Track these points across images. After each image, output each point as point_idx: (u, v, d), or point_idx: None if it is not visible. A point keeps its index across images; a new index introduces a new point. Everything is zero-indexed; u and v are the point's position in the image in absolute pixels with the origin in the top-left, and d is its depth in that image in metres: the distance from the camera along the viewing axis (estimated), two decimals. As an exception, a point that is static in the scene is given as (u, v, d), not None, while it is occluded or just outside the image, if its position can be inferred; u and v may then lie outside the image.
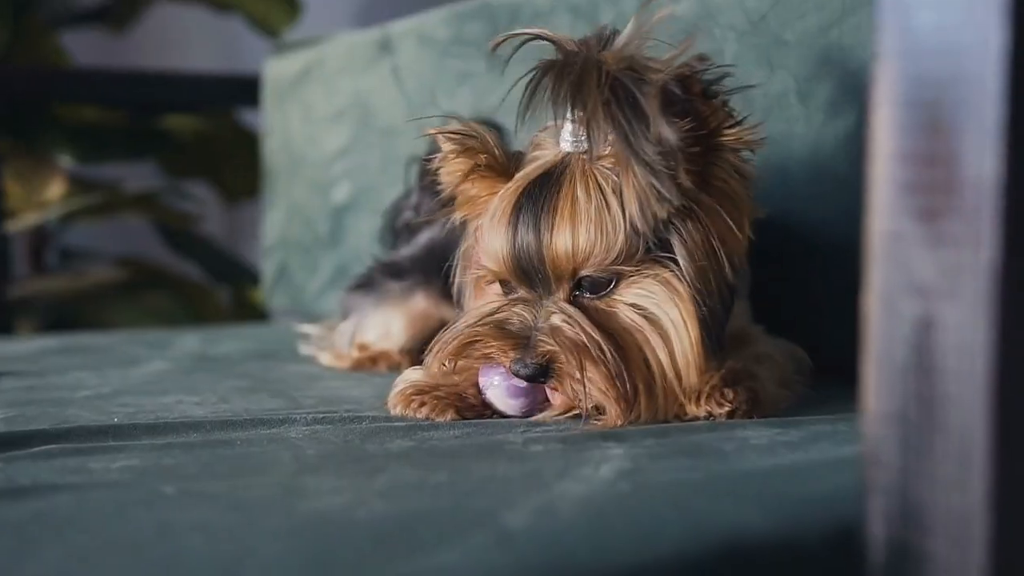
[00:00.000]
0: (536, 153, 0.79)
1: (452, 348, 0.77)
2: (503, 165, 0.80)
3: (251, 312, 2.11)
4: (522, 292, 0.76)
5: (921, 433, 0.44)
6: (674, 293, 0.73)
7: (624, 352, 0.73)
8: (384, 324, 1.11)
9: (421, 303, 1.10)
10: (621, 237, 0.73)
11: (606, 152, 0.73)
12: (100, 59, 2.28)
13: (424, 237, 1.16)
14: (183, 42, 2.53)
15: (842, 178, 0.92)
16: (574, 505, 0.52)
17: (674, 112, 0.70)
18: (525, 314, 0.75)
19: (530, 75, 0.74)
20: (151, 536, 0.50)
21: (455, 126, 0.81)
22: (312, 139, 1.62)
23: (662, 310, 0.73)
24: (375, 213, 1.46)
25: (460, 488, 0.57)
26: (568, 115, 0.75)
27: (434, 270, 1.11)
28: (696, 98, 0.72)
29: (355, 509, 0.53)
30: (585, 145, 0.74)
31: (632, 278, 0.74)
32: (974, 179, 0.42)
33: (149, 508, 0.55)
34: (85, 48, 2.28)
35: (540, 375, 0.74)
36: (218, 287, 2.14)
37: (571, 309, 0.74)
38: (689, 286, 0.73)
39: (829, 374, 0.88)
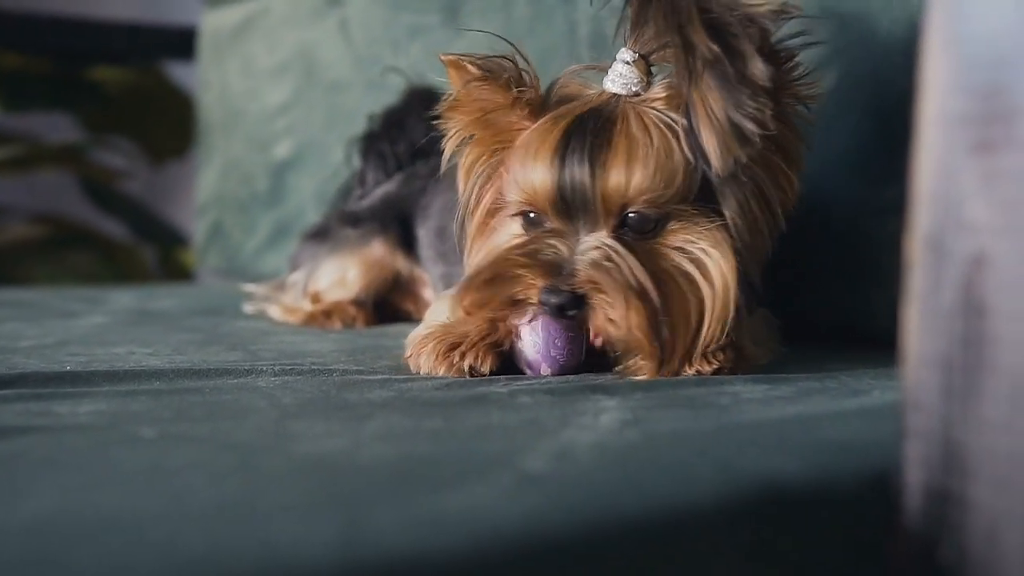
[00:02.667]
0: (568, 91, 0.76)
1: (478, 284, 0.73)
2: (539, 99, 0.76)
3: (177, 273, 2.04)
4: (556, 225, 0.73)
5: (967, 376, 0.43)
6: (719, 244, 0.71)
7: (667, 298, 0.70)
8: (339, 271, 1.08)
9: (378, 250, 1.08)
10: (680, 177, 0.70)
11: (662, 94, 0.72)
12: (25, 4, 2.18)
13: (381, 190, 1.13)
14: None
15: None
16: (589, 450, 0.50)
17: (765, 54, 0.68)
18: (560, 246, 0.71)
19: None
20: (144, 475, 0.46)
21: (485, 54, 0.76)
22: (252, 93, 1.57)
23: (709, 258, 0.71)
24: (319, 171, 1.42)
25: (460, 434, 0.55)
26: (622, 55, 0.73)
27: (391, 219, 1.08)
28: (782, 44, 0.71)
29: (356, 452, 0.50)
30: (635, 87, 0.73)
31: (681, 222, 0.71)
32: (1035, 111, 0.41)
33: (132, 449, 0.51)
34: (8, -7, 2.18)
35: (572, 305, 0.70)
36: (143, 246, 2.07)
37: (616, 244, 0.70)
38: (736, 239, 0.71)
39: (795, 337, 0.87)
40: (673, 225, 0.72)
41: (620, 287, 0.69)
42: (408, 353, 0.77)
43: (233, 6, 1.63)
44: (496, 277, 0.72)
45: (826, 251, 0.91)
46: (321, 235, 1.11)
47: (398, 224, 1.08)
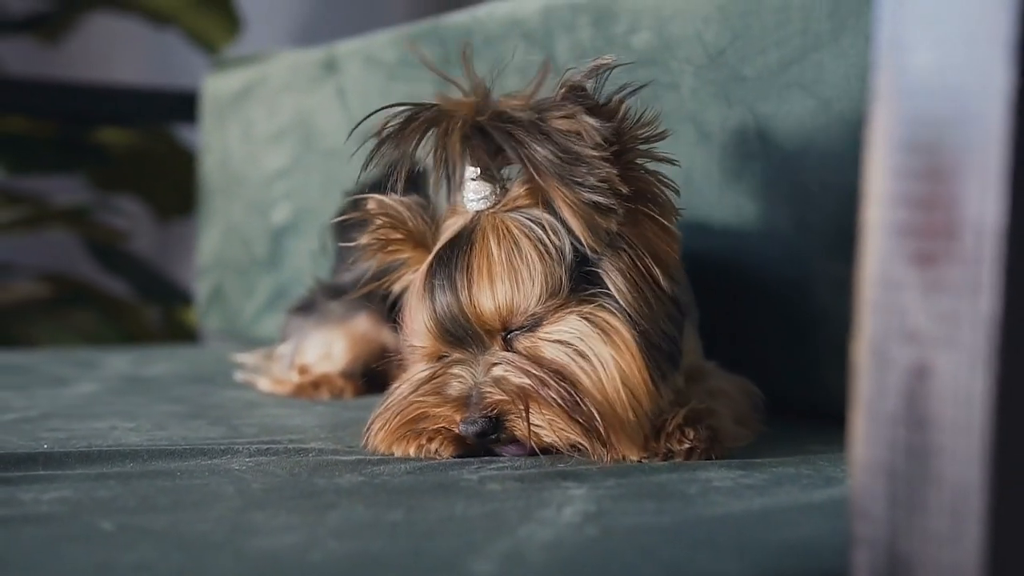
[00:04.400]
0: (449, 221, 0.77)
1: (395, 427, 0.74)
2: (423, 237, 0.78)
3: (181, 333, 2.05)
4: (455, 354, 0.74)
5: (911, 486, 0.43)
6: (599, 326, 0.70)
7: (576, 385, 0.70)
8: (325, 345, 1.08)
9: (363, 324, 1.08)
10: (553, 276, 0.71)
11: (523, 192, 0.73)
12: (33, 69, 2.21)
13: (366, 263, 1.13)
14: (118, 55, 2.47)
15: (798, 218, 0.91)
16: (541, 551, 0.50)
17: (595, 113, 0.69)
18: (463, 374, 0.72)
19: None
20: (100, 567, 0.46)
21: (375, 201, 0.79)
22: (252, 158, 1.59)
23: (586, 344, 0.70)
24: (315, 236, 1.43)
25: (418, 529, 0.55)
26: (469, 174, 0.74)
27: (376, 293, 1.09)
28: (592, 102, 0.70)
29: (309, 550, 0.50)
30: (493, 197, 0.74)
31: (554, 316, 0.71)
32: (974, 223, 0.41)
33: (86, 545, 0.51)
34: (17, 57, 2.21)
35: (491, 430, 0.71)
36: (147, 306, 2.08)
37: (510, 355, 0.72)
38: (623, 312, 0.71)
39: (780, 412, 0.87)
40: (549, 319, 0.72)
41: (528, 395, 0.70)
42: (364, 433, 0.77)
43: (235, 72, 1.65)
44: (415, 418, 0.73)
45: (808, 331, 0.91)
46: (307, 309, 1.11)
47: (382, 298, 1.08)
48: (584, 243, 0.70)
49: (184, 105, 1.77)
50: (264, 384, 1.09)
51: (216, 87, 1.68)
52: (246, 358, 1.17)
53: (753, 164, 0.94)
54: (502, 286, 0.71)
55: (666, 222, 0.74)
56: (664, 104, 1.00)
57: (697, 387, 0.79)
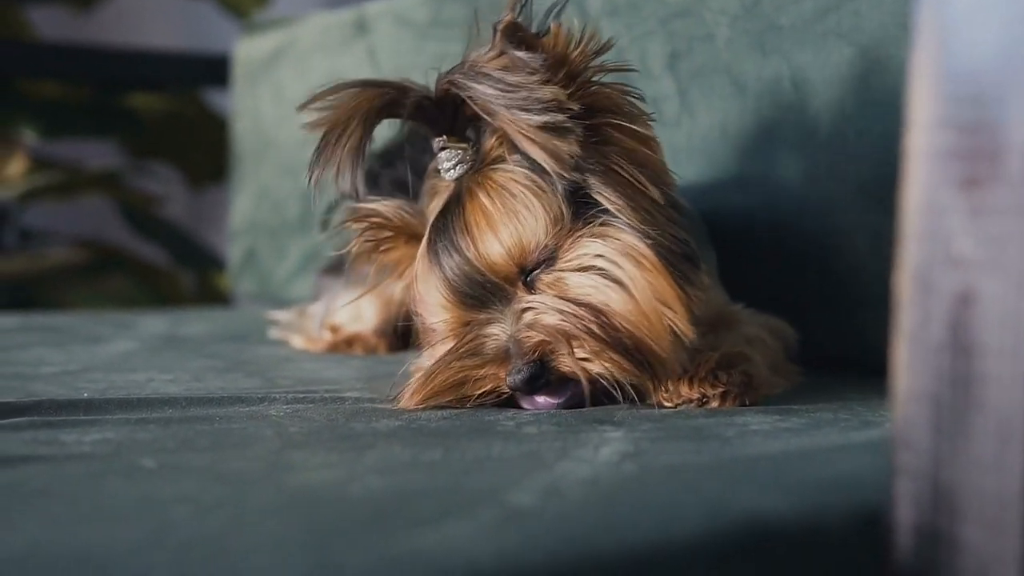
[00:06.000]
0: (434, 203, 0.76)
1: (434, 392, 0.72)
2: (412, 228, 0.77)
3: (215, 297, 2.06)
4: (482, 316, 0.72)
5: (956, 413, 0.42)
6: (612, 243, 0.70)
7: (604, 314, 0.69)
8: (355, 306, 1.07)
9: (393, 285, 1.07)
10: (551, 209, 0.70)
11: (494, 143, 0.73)
12: (66, 35, 2.22)
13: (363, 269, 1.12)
14: (151, 21, 2.47)
15: (835, 167, 0.90)
16: (580, 486, 0.50)
17: (524, 45, 0.69)
18: (495, 331, 0.71)
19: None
20: (133, 508, 0.47)
21: (350, 210, 0.79)
22: (283, 121, 1.58)
23: (607, 262, 0.70)
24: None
25: (456, 466, 0.55)
26: (437, 145, 0.74)
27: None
28: (527, 34, 0.70)
29: (348, 484, 0.50)
30: (467, 161, 0.74)
31: (566, 244, 0.71)
32: (1021, 146, 0.40)
33: (128, 480, 0.52)
34: (51, 23, 2.21)
35: (539, 373, 0.70)
36: (181, 271, 2.09)
37: (536, 297, 0.71)
38: (628, 226, 0.70)
39: (818, 364, 0.86)
40: (564, 250, 0.71)
41: (567, 330, 0.69)
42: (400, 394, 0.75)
43: (266, 35, 1.65)
44: (456, 383, 0.72)
45: (847, 282, 0.90)
46: (337, 269, 1.11)
47: None
48: (551, 170, 0.69)
49: (216, 69, 1.77)
50: (298, 341, 1.10)
51: (247, 51, 1.68)
52: (280, 315, 1.17)
53: (789, 114, 0.93)
54: (504, 229, 0.70)
55: (638, 128, 0.73)
56: (698, 56, 0.99)
57: (729, 334, 0.79)
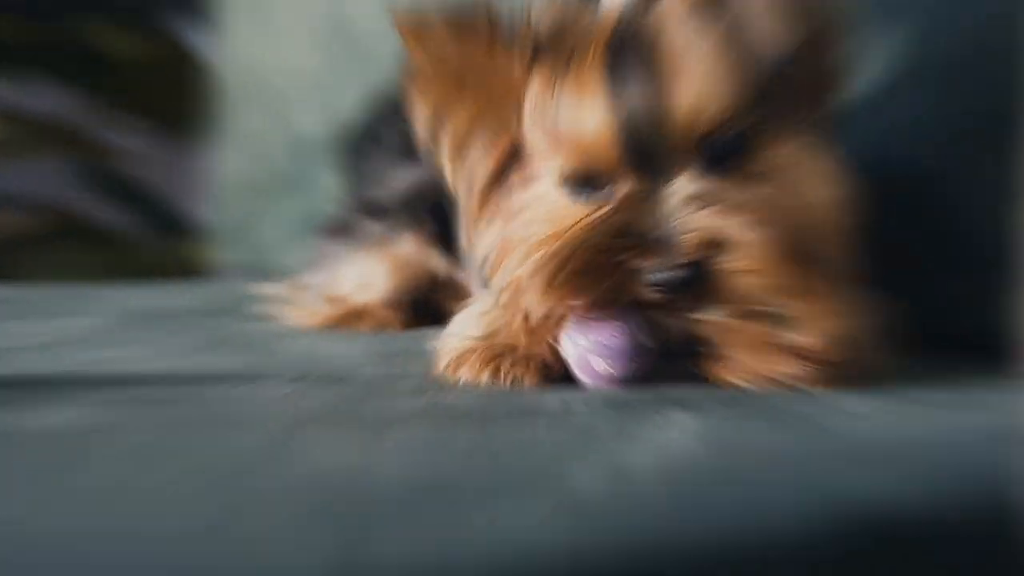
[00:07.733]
0: (560, 23, 0.70)
1: (565, 277, 0.66)
2: (532, 38, 0.71)
3: (190, 268, 2.06)
4: (626, 182, 0.68)
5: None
6: (816, 157, 0.69)
7: (792, 230, 0.65)
8: (364, 272, 1.06)
9: (408, 247, 1.06)
10: (747, 80, 0.66)
11: None
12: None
13: (408, 175, 1.12)
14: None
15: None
16: (652, 471, 0.49)
17: None
18: (654, 210, 0.66)
19: None
20: (115, 487, 0.46)
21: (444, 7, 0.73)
22: (271, 55, 1.58)
23: (809, 184, 0.68)
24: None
25: (499, 449, 0.54)
26: None
27: (423, 211, 1.07)
28: None
29: (367, 468, 0.50)
30: None
31: (764, 137, 0.68)
32: None
33: (114, 459, 0.51)
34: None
35: (693, 279, 0.64)
36: (150, 238, 2.09)
37: (712, 184, 0.66)
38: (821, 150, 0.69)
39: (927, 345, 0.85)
40: (761, 143, 0.68)
41: (744, 234, 0.65)
42: (445, 365, 0.74)
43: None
44: (589, 267, 0.66)
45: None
46: (341, 230, 1.10)
47: (432, 216, 1.06)
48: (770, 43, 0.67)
49: None
50: (293, 316, 1.09)
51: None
52: (268, 289, 1.17)
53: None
54: (704, 81, 0.66)
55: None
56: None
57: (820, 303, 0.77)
